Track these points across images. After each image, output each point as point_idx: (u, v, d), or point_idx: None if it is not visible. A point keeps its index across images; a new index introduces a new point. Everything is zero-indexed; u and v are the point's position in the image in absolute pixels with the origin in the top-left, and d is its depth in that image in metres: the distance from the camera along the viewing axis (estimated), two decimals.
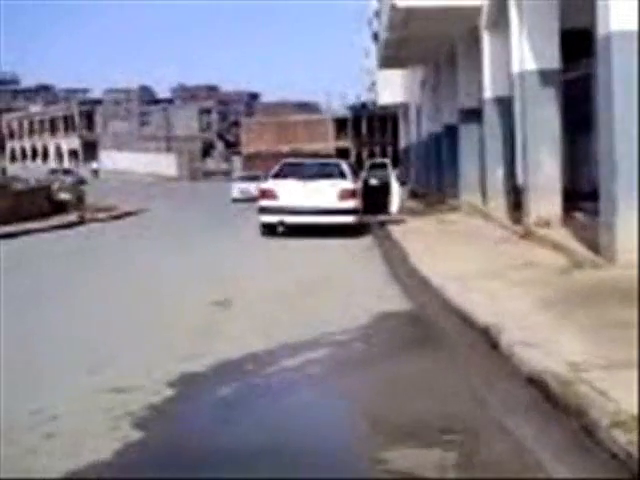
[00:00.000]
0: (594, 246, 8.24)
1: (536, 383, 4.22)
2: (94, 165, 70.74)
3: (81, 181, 47.32)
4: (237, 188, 34.08)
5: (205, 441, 3.73)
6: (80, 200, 22.80)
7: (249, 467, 3.36)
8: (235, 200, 31.99)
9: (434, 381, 4.69)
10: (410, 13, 15.18)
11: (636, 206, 7.60)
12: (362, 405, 4.45)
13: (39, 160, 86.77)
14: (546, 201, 11.19)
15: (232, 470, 3.34)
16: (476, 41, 15.71)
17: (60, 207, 20.98)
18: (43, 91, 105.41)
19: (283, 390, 4.59)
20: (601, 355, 4.47)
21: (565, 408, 3.79)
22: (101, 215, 21.12)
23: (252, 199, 27.96)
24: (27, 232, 16.03)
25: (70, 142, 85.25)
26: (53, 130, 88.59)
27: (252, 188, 30.62)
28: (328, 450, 3.64)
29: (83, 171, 64.18)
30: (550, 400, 3.98)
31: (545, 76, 11.42)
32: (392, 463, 3.35)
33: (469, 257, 9.38)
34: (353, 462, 3.46)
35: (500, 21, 13.44)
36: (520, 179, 12.24)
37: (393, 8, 15.18)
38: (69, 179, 40.86)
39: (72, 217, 19.71)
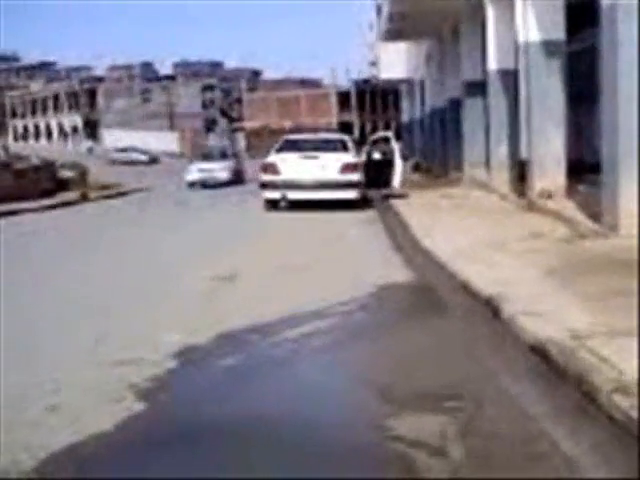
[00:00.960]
0: (597, 217, 8.23)
1: (538, 351, 4.22)
2: (89, 144, 70.31)
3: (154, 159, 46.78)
4: (195, 169, 26.79)
5: (209, 412, 3.74)
6: (83, 178, 22.79)
7: (252, 436, 3.37)
8: (191, 185, 25.74)
9: (437, 350, 4.71)
10: None
11: (636, 177, 7.58)
12: (366, 374, 4.45)
13: (43, 139, 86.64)
14: (550, 173, 11.16)
15: (235, 440, 3.35)
16: (480, 13, 15.56)
17: (63, 185, 21.00)
18: (44, 68, 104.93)
19: (287, 360, 4.60)
20: (603, 323, 4.48)
21: (567, 375, 3.80)
22: (105, 192, 21.15)
23: (217, 185, 24.52)
24: (31, 210, 16.05)
25: (73, 120, 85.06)
26: (56, 108, 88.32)
27: (218, 169, 25.37)
28: (333, 419, 3.66)
29: (77, 150, 64.11)
30: (552, 367, 3.99)
31: (550, 47, 11.34)
32: (397, 430, 3.37)
33: (472, 229, 9.37)
34: (359, 430, 3.48)
35: None
36: (524, 152, 12.18)
37: None
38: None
39: (74, 195, 19.71)
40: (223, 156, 28.61)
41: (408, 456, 3.06)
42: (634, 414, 3.13)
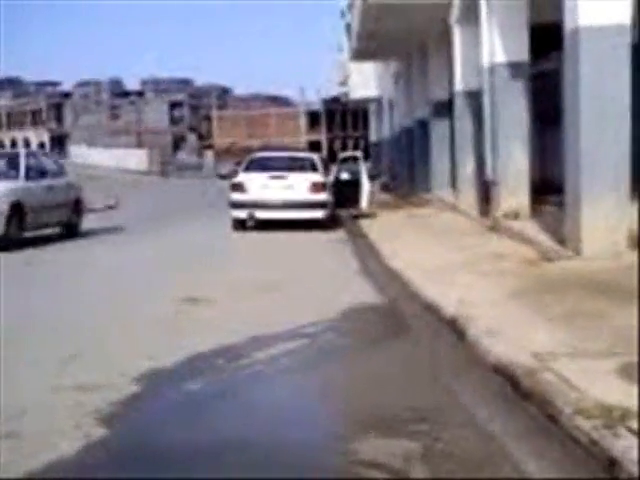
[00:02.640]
0: (561, 238, 8.34)
1: (502, 372, 4.26)
2: None
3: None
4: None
5: (171, 437, 3.70)
6: None
7: (215, 459, 3.35)
8: None
9: (402, 372, 4.72)
10: (382, 7, 15.22)
11: (599, 198, 7.70)
12: (330, 397, 4.45)
13: None
14: (515, 194, 11.30)
15: (198, 466, 3.32)
16: (447, 35, 15.77)
17: None
18: (11, 84, 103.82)
19: (253, 384, 4.58)
20: (567, 344, 4.53)
21: (531, 397, 3.84)
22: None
23: None
24: None
25: (39, 136, 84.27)
26: (22, 124, 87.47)
27: None
28: (297, 443, 3.64)
29: None
30: (516, 389, 4.02)
31: (514, 69, 11.52)
32: (360, 454, 3.36)
33: (438, 250, 9.44)
34: (322, 454, 3.47)
35: (470, 15, 13.50)
36: (489, 173, 12.32)
37: (365, 2, 15.20)
38: None
39: None
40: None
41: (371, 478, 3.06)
42: (595, 435, 3.17)
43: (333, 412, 4.21)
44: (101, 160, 65.45)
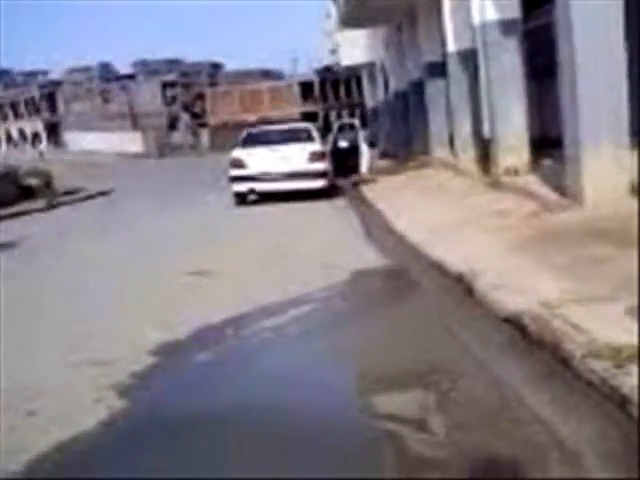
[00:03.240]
0: (562, 190, 8.36)
1: (512, 322, 4.32)
2: (40, 147, 69.23)
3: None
4: None
5: (192, 404, 3.77)
6: (48, 185, 22.49)
7: (238, 425, 3.42)
8: None
9: (414, 328, 4.79)
10: None
11: (598, 148, 7.71)
12: (344, 357, 4.52)
13: (3, 145, 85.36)
14: (514, 150, 11.28)
15: (221, 430, 3.37)
16: None
17: (28, 192, 20.72)
18: (1, 76, 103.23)
19: (268, 349, 4.65)
20: (573, 290, 4.59)
21: (541, 343, 3.90)
22: (71, 198, 20.93)
23: None
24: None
25: (34, 125, 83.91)
26: (15, 114, 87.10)
27: None
28: (313, 402, 3.71)
29: (29, 154, 63.24)
30: (526, 337, 4.09)
31: (506, 26, 11.43)
32: (377, 408, 3.44)
33: (440, 210, 9.47)
34: (339, 411, 3.54)
35: None
36: (487, 130, 12.31)
37: None
38: None
39: (40, 202, 19.43)
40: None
41: (392, 432, 3.13)
42: (606, 375, 3.23)
43: (348, 371, 4.28)
44: (97, 145, 65.25)
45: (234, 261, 8.00)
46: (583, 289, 4.61)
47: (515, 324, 4.27)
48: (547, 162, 11.56)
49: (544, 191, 9.00)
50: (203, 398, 3.83)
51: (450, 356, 4.06)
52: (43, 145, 70.05)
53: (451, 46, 14.81)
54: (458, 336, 4.45)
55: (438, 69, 17.37)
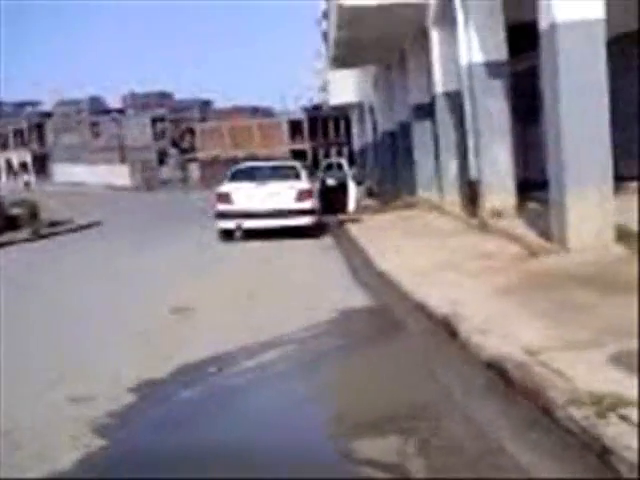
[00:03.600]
0: (548, 234, 8.40)
1: (495, 367, 4.30)
2: (25, 177, 69.00)
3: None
4: None
5: (168, 445, 3.71)
6: (34, 215, 22.41)
7: (214, 465, 3.37)
8: None
9: (396, 370, 4.76)
10: (357, 11, 15.27)
11: (583, 192, 7.78)
12: (326, 398, 4.48)
13: None
14: (499, 193, 11.37)
15: (196, 471, 3.33)
16: (425, 38, 15.87)
17: (13, 222, 20.63)
18: None
19: (248, 388, 4.60)
20: (556, 337, 4.58)
21: (523, 390, 3.88)
22: (56, 229, 20.83)
23: None
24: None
25: (21, 156, 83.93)
26: (4, 145, 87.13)
27: None
28: (292, 444, 3.67)
29: (15, 184, 63.22)
30: (509, 383, 4.06)
31: (493, 68, 11.60)
32: (356, 452, 3.39)
33: (426, 251, 9.48)
34: (317, 454, 3.49)
35: (447, 16, 13.60)
36: (473, 172, 12.40)
37: (340, 7, 15.26)
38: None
39: (25, 233, 19.34)
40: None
41: (370, 477, 3.09)
42: (587, 424, 3.21)
43: (328, 412, 4.23)
44: (85, 177, 65.29)
45: (217, 298, 7.96)
46: (566, 335, 4.60)
47: (498, 369, 4.25)
48: (532, 205, 11.65)
49: (529, 234, 9.05)
50: (181, 438, 3.77)
51: (432, 400, 4.03)
52: (28, 176, 69.84)
53: (438, 87, 15.01)
54: (440, 380, 4.42)
55: (425, 110, 17.58)
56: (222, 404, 4.34)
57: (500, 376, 4.20)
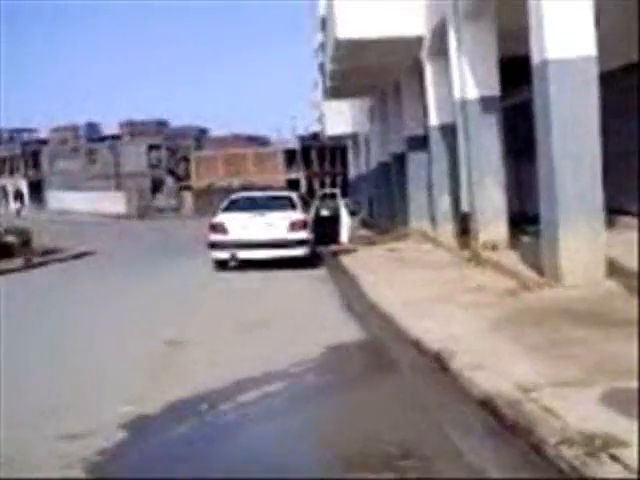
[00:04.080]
0: (540, 268, 8.44)
1: (487, 405, 4.31)
2: (17, 205, 68.82)
3: None
4: None
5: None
6: (27, 243, 22.37)
7: None
8: None
9: (388, 407, 4.75)
10: (353, 45, 15.48)
11: (574, 227, 7.84)
12: (319, 434, 4.47)
13: None
14: (492, 225, 11.44)
15: None
16: (419, 70, 16.06)
17: (6, 251, 20.57)
18: None
19: (240, 425, 4.58)
20: (549, 373, 4.59)
21: (514, 428, 3.88)
22: (49, 258, 20.79)
23: None
24: None
25: (16, 183, 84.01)
26: None
27: None
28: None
29: (7, 212, 63.19)
30: (500, 420, 4.07)
31: (486, 103, 11.74)
32: None
33: (419, 283, 9.51)
34: None
35: (441, 50, 13.78)
36: (466, 205, 12.48)
37: (336, 40, 15.45)
38: None
39: (18, 261, 19.29)
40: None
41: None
42: (578, 464, 3.21)
43: (320, 451, 4.21)
44: (79, 205, 65.27)
45: (209, 331, 7.95)
46: (558, 372, 4.62)
47: (490, 407, 4.25)
48: (525, 238, 11.71)
49: (522, 268, 9.09)
50: (170, 477, 3.75)
51: (423, 439, 4.02)
52: (20, 204, 69.70)
53: (433, 120, 15.16)
54: (432, 417, 4.41)
55: (420, 142, 17.74)
56: (213, 442, 4.32)
57: (492, 413, 4.20)
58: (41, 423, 4.73)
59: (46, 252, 21.98)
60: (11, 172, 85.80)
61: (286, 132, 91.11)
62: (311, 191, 54.07)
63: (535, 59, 8.33)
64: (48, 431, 4.53)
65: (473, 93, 11.79)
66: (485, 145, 11.69)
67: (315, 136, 63.57)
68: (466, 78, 11.87)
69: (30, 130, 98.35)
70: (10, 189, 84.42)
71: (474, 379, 4.68)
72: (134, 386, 5.64)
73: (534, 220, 10.33)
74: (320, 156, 73.84)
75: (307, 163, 73.83)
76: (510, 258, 10.05)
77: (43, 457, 4.06)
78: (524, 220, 12.95)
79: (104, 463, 3.94)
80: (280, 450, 4.25)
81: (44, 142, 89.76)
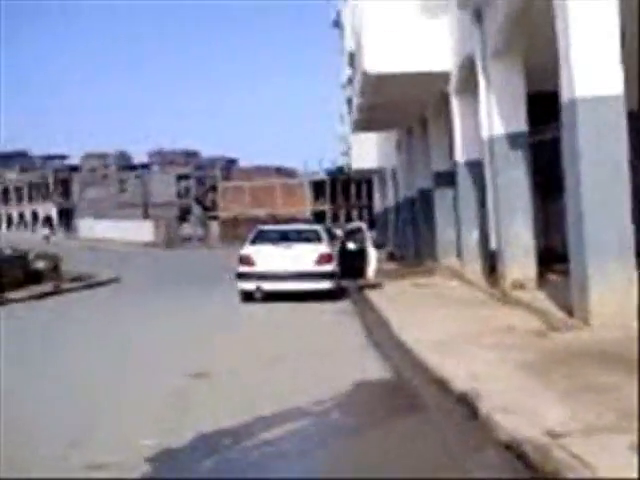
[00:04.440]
0: (569, 308, 8.34)
1: (515, 450, 4.24)
2: (45, 231, 69.50)
3: None
4: None
5: None
6: (56, 269, 22.63)
7: None
8: None
9: (414, 449, 4.69)
10: (381, 79, 15.58)
11: (604, 267, 7.75)
12: (343, 476, 4.42)
13: (13, 228, 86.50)
14: (520, 264, 11.34)
15: None
16: (446, 105, 16.10)
17: (35, 276, 20.83)
18: (19, 157, 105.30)
19: (263, 463, 4.56)
20: (578, 419, 4.52)
21: (542, 474, 3.81)
22: (76, 285, 21.00)
23: None
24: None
25: (47, 209, 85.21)
26: (30, 198, 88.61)
27: None
28: None
29: (36, 237, 63.92)
30: (529, 467, 4.00)
31: (513, 139, 11.72)
32: None
33: (446, 321, 9.44)
34: None
35: (468, 86, 13.82)
36: (494, 242, 12.40)
37: (364, 74, 15.57)
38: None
39: (47, 287, 19.52)
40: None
41: None
42: None
43: None
44: (108, 233, 65.92)
45: (235, 364, 7.94)
46: (587, 418, 4.54)
47: (517, 451, 4.19)
48: (554, 277, 11.61)
49: (551, 308, 9.00)
50: None
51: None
52: (50, 230, 70.50)
53: (460, 156, 15.16)
54: (458, 460, 4.36)
55: (447, 178, 17.72)
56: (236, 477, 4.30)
57: (519, 458, 4.14)
58: (68, 454, 4.75)
59: (74, 279, 22.21)
60: (42, 198, 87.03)
61: (313, 165, 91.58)
62: (336, 223, 54.13)
63: (564, 96, 8.31)
64: (74, 461, 4.54)
65: (500, 130, 11.78)
66: (513, 182, 11.64)
67: (341, 169, 63.88)
68: (493, 114, 11.87)
69: (62, 157, 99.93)
70: (41, 215, 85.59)
71: (502, 422, 4.62)
72: (159, 418, 5.64)
73: (562, 258, 10.25)
74: (346, 189, 74.10)
75: (333, 195, 74.10)
76: (539, 298, 9.95)
77: None
78: (552, 257, 12.84)
79: None
80: None
81: (75, 169, 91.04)
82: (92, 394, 6.74)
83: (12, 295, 17.11)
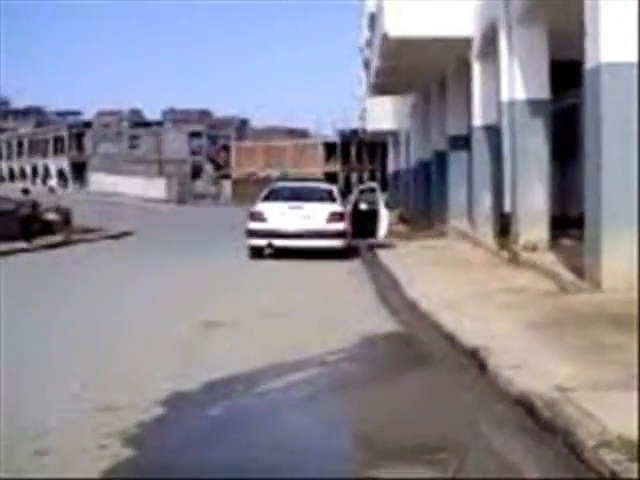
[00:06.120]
0: (580, 271, 8.34)
1: (524, 404, 4.27)
2: (51, 183, 69.18)
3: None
4: None
5: (195, 460, 3.74)
6: (67, 222, 22.73)
7: None
8: None
9: (424, 402, 4.74)
10: (401, 43, 15.40)
11: (619, 232, 7.72)
12: (353, 425, 4.48)
13: (28, 181, 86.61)
14: (534, 227, 11.32)
15: None
16: (466, 70, 15.92)
17: (48, 227, 20.95)
18: (34, 113, 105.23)
19: (274, 410, 4.61)
20: (588, 376, 4.54)
21: (552, 429, 3.85)
22: (88, 236, 21.13)
23: None
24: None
25: (59, 163, 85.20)
26: (43, 152, 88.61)
27: None
28: (317, 470, 3.66)
29: (40, 190, 63.99)
30: (538, 421, 4.03)
31: (534, 106, 11.59)
32: None
33: (457, 281, 9.45)
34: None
35: (490, 51, 13.64)
36: (507, 206, 12.36)
37: (385, 37, 15.39)
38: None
39: (58, 238, 19.65)
40: None
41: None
42: (617, 468, 3.18)
43: (352, 441, 4.23)
44: (120, 188, 65.95)
45: (247, 315, 8.00)
46: (597, 375, 4.57)
47: (527, 407, 4.22)
48: (566, 241, 11.58)
49: (562, 271, 8.99)
50: (202, 454, 3.79)
51: (458, 434, 4.01)
52: (54, 181, 70.16)
53: (477, 120, 15.02)
54: (468, 414, 4.39)
55: (462, 141, 17.60)
56: (246, 424, 4.34)
57: (529, 413, 4.17)
58: (81, 396, 4.81)
59: (86, 231, 22.33)
60: (55, 152, 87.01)
61: (325, 126, 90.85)
62: (348, 185, 53.97)
63: (588, 63, 8.20)
64: (88, 404, 4.60)
65: (522, 95, 11.65)
66: (531, 148, 11.55)
67: (355, 132, 63.43)
68: (515, 80, 11.72)
69: (75, 113, 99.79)
70: (53, 169, 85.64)
71: (512, 378, 4.65)
72: (172, 364, 5.71)
73: (575, 223, 10.21)
74: (359, 151, 73.69)
75: (346, 157, 73.73)
76: (550, 260, 9.94)
77: (82, 429, 4.12)
78: (567, 223, 12.79)
79: (141, 436, 4.00)
80: (311, 436, 4.26)
81: (88, 124, 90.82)
82: (103, 340, 6.81)
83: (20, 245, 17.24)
